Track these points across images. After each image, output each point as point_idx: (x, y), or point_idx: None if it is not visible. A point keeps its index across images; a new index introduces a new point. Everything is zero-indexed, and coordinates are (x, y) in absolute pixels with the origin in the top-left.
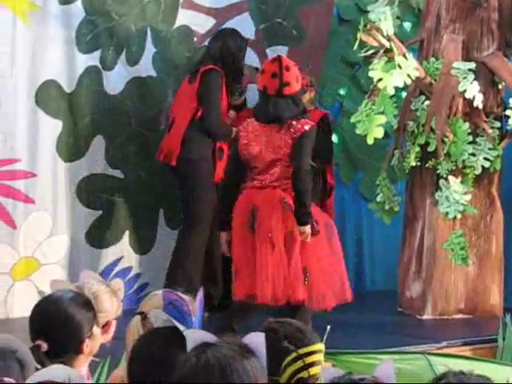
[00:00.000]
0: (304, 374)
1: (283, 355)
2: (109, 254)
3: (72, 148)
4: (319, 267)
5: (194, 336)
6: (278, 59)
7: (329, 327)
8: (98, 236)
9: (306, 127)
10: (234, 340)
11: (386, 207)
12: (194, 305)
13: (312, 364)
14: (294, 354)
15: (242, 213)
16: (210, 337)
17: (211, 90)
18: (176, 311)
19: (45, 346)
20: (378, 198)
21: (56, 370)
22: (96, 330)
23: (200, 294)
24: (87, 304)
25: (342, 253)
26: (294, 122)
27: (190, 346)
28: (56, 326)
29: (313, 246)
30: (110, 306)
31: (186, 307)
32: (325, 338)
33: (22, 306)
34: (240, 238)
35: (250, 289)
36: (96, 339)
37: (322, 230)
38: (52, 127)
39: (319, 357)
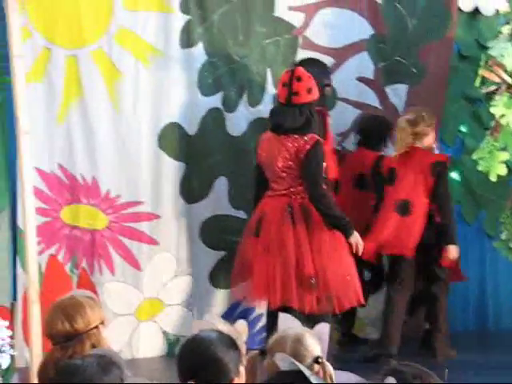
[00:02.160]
0: None
1: None
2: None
3: (195, 189)
4: (328, 273)
5: (343, 378)
6: (292, 69)
7: (447, 371)
8: (222, 276)
9: (308, 146)
10: None
11: (511, 245)
12: None
13: None
14: None
15: (251, 221)
16: (357, 379)
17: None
18: None
19: None
20: (503, 236)
21: None
22: (242, 368)
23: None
24: (233, 344)
25: (351, 257)
26: (299, 138)
27: None
28: (206, 366)
29: (320, 253)
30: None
31: None
32: (445, 379)
33: (147, 347)
34: (246, 245)
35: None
36: (242, 377)
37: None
38: (175, 169)
39: None
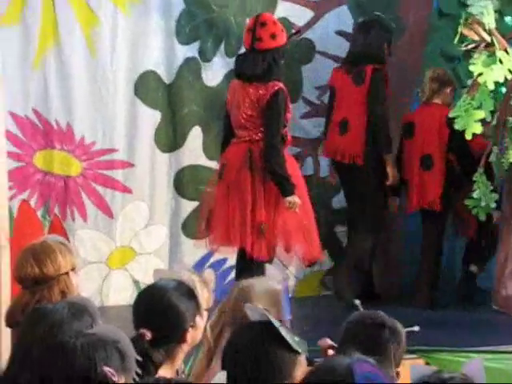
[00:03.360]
0: None
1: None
2: (204, 245)
3: (170, 139)
4: (278, 222)
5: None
6: (258, 15)
7: (417, 328)
8: (195, 227)
9: (268, 95)
10: None
11: (483, 204)
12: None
13: None
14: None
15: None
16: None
17: (380, 91)
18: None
19: (148, 335)
20: (475, 195)
21: None
22: (199, 319)
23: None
24: (190, 293)
25: (312, 213)
26: (261, 86)
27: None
28: (160, 314)
29: (273, 201)
30: (201, 296)
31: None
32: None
33: (117, 295)
34: (210, 192)
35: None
36: (198, 329)
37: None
38: (150, 118)
39: None
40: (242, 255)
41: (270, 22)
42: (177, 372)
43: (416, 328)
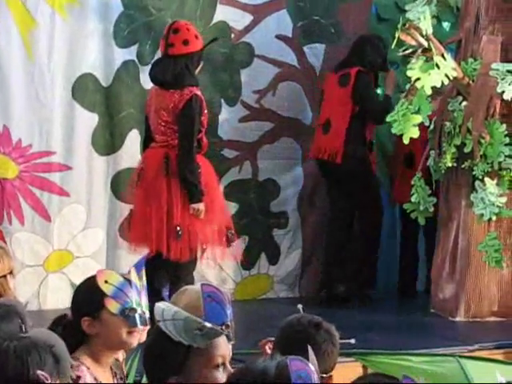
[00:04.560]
0: None
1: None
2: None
3: (107, 142)
4: (196, 225)
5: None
6: (173, 22)
7: (353, 341)
8: None
9: (182, 102)
10: None
11: (421, 208)
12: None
13: None
14: None
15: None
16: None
17: (369, 90)
18: (216, 303)
19: None
20: (413, 198)
21: None
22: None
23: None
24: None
25: (222, 213)
26: (177, 92)
27: None
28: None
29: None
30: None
31: (224, 299)
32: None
33: (55, 298)
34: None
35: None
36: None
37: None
38: (88, 121)
39: None
40: (158, 256)
41: (183, 29)
42: (115, 373)
43: (352, 341)
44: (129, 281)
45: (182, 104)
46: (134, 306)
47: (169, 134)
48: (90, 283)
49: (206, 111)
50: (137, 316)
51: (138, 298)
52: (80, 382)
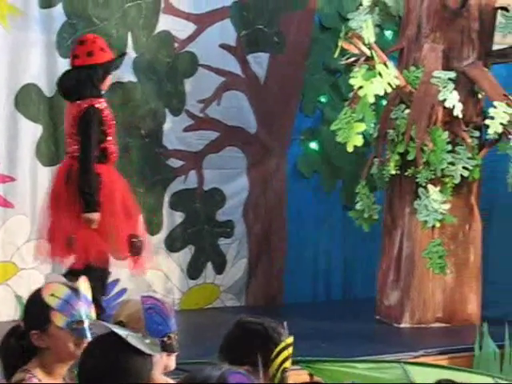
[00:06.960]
0: (287, 364)
1: (272, 344)
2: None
3: (52, 152)
4: (79, 233)
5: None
6: (81, 35)
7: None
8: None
9: (80, 114)
10: None
11: (366, 215)
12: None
13: (289, 356)
14: (283, 344)
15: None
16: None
17: None
18: (157, 315)
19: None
20: (358, 206)
21: None
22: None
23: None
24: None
25: (127, 221)
26: (78, 103)
27: None
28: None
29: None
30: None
31: (166, 310)
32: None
33: (0, 310)
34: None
35: None
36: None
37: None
38: (31, 131)
39: (291, 350)
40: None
41: (89, 41)
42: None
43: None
44: (76, 292)
45: (79, 115)
46: (83, 318)
47: (74, 144)
48: (36, 296)
49: (112, 122)
50: (85, 328)
51: (88, 309)
52: None
